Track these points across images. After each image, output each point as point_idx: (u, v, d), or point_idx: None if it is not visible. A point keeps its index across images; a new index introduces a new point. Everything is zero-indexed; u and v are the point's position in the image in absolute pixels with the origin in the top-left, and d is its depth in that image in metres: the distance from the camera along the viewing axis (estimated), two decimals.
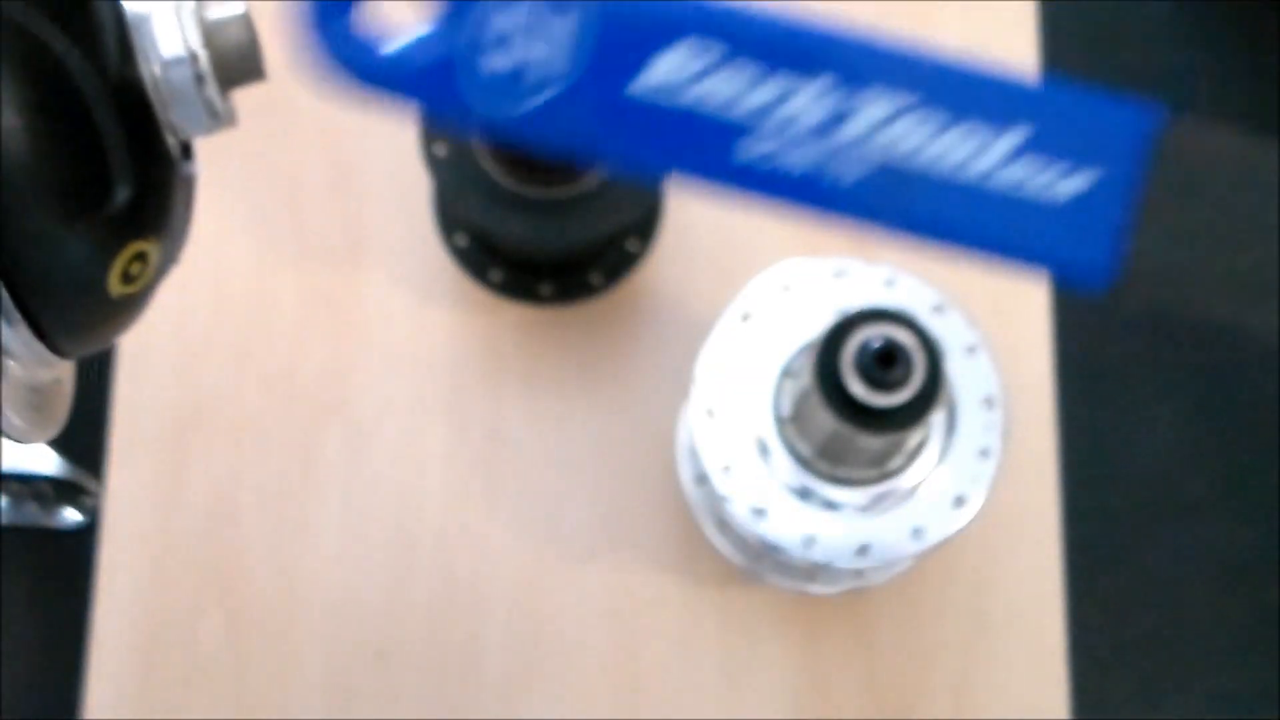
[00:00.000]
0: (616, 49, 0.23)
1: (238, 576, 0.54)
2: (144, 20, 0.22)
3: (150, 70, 0.22)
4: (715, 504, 0.50)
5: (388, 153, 0.57)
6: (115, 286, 0.22)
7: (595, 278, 0.55)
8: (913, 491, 0.45)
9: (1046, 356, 0.57)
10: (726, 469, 0.45)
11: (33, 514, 0.56)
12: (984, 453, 0.45)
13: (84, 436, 0.56)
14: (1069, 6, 1.42)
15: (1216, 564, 1.26)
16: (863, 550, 0.44)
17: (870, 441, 0.42)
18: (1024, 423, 0.53)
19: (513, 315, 0.56)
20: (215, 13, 0.23)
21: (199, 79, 0.22)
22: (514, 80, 0.22)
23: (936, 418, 0.45)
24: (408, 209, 0.57)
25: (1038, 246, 0.24)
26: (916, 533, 0.44)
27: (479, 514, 0.55)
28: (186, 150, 0.23)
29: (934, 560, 0.53)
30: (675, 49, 0.23)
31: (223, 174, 0.57)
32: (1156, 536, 1.27)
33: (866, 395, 0.40)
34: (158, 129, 0.22)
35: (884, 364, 0.40)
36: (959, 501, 0.44)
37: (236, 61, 0.23)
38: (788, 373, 0.46)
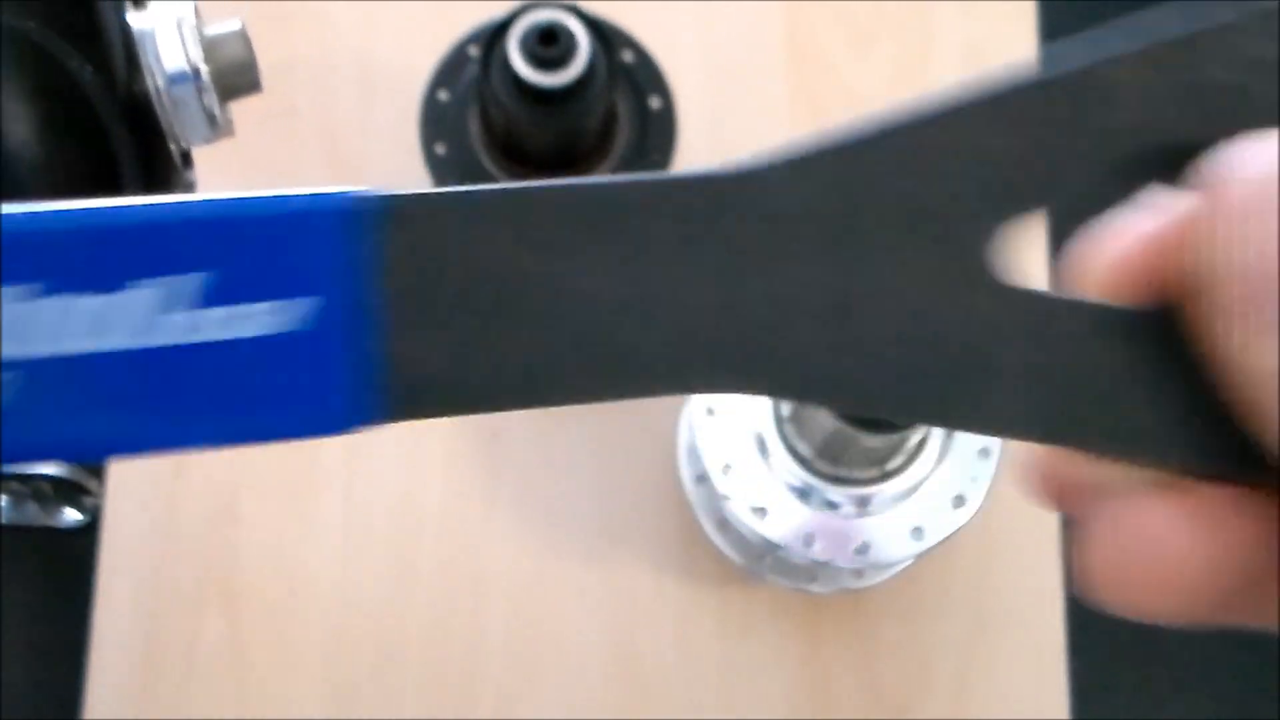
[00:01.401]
0: None
1: (238, 576, 0.54)
2: (148, 36, 0.23)
3: (155, 83, 0.23)
4: (715, 503, 0.50)
5: (388, 153, 0.57)
6: None
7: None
8: (912, 491, 0.45)
9: None
10: (726, 468, 0.45)
11: (33, 514, 0.56)
12: (984, 452, 0.45)
13: None
14: (1069, 6, 1.42)
15: None
16: (863, 550, 0.44)
17: (870, 440, 0.42)
18: None
19: None
20: (214, 29, 0.24)
21: (200, 91, 0.23)
22: None
23: None
24: None
25: (272, 405, 0.18)
26: (916, 532, 0.44)
27: (479, 514, 0.55)
28: (187, 159, 0.25)
29: (933, 560, 0.53)
30: None
31: (223, 175, 0.57)
32: None
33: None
34: (163, 139, 0.23)
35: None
36: (959, 501, 0.44)
37: (235, 75, 0.24)
38: None
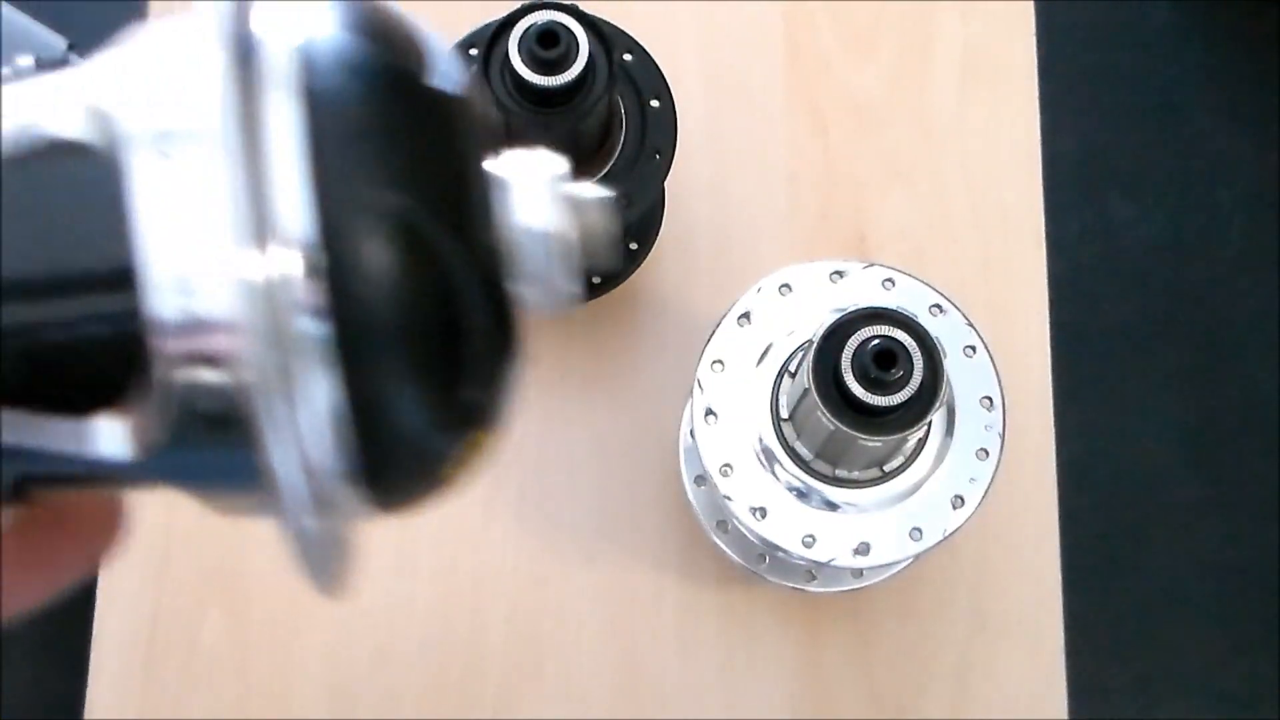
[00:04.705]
0: None
1: (238, 575, 0.54)
2: (509, 186, 0.21)
3: (513, 240, 0.21)
4: (716, 504, 0.50)
5: None
6: (449, 471, 0.23)
7: (595, 278, 0.55)
8: (912, 491, 0.45)
9: (1045, 356, 0.57)
10: (726, 469, 0.45)
11: None
12: (983, 453, 0.45)
13: None
14: (1068, 7, 1.42)
15: (1216, 564, 1.26)
16: (862, 550, 0.44)
17: (869, 442, 0.42)
18: (1023, 423, 0.53)
19: None
20: (581, 191, 0.22)
21: (561, 256, 0.22)
22: None
23: (935, 418, 0.45)
24: None
25: None
26: (916, 532, 0.44)
27: (479, 514, 0.55)
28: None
29: (933, 560, 0.53)
30: None
31: None
32: (1155, 536, 1.27)
33: (865, 395, 0.40)
34: (517, 329, 0.22)
35: (882, 364, 0.40)
36: (958, 501, 0.44)
37: (593, 245, 0.22)
38: (787, 373, 0.46)
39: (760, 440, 0.45)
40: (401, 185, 0.20)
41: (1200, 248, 1.37)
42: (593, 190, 0.22)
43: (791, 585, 0.51)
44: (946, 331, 0.45)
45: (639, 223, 0.55)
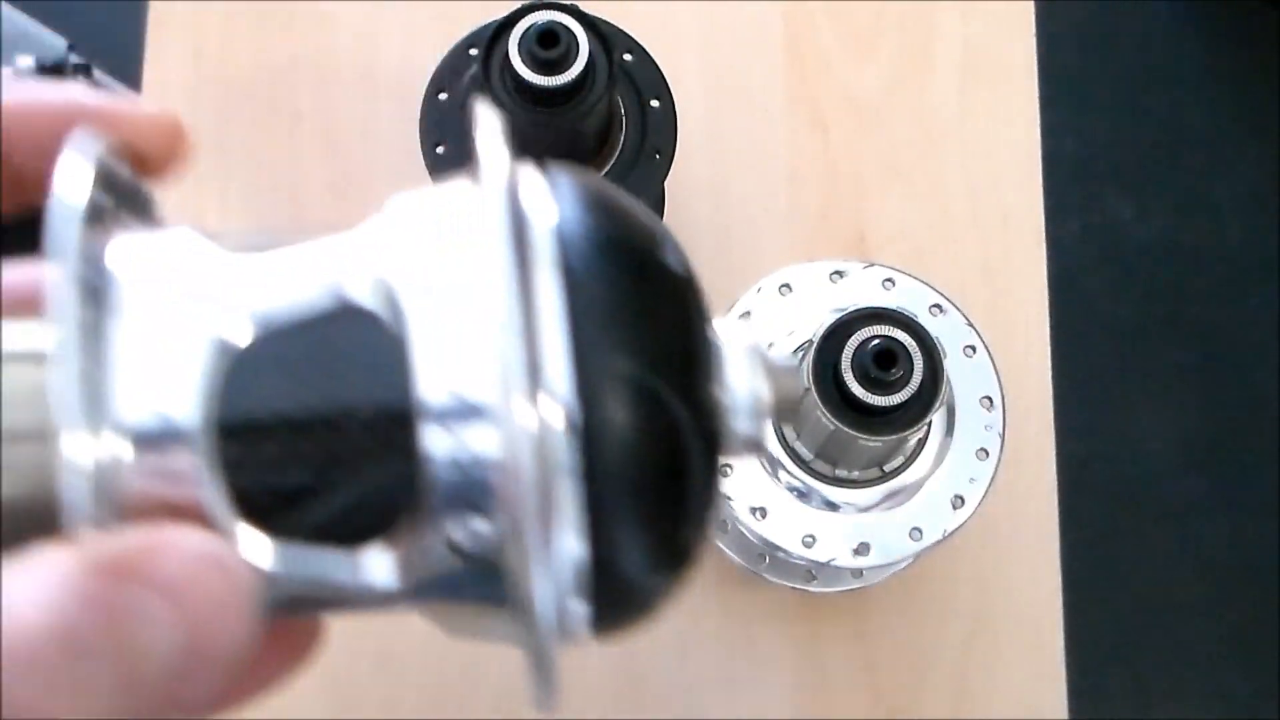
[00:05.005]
0: None
1: None
2: (721, 353, 0.24)
3: (720, 400, 0.24)
4: None
5: (388, 153, 0.57)
6: (659, 604, 0.25)
7: None
8: (912, 491, 0.45)
9: (1045, 356, 0.57)
10: (726, 469, 0.45)
11: None
12: (982, 453, 0.45)
13: None
14: (1068, 7, 1.42)
15: (1216, 564, 1.26)
16: (862, 550, 0.44)
17: (869, 442, 0.42)
18: (1022, 422, 0.53)
19: None
20: (775, 360, 0.25)
21: (759, 414, 0.24)
22: None
23: (935, 418, 0.45)
24: None
25: None
26: (915, 532, 0.44)
27: None
28: None
29: (934, 560, 0.53)
30: None
31: (224, 175, 0.57)
32: (1155, 536, 1.27)
33: (865, 395, 0.40)
34: (719, 475, 0.24)
35: (882, 364, 0.40)
36: (958, 501, 0.44)
37: (784, 403, 0.25)
38: None
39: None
40: (645, 356, 0.22)
41: (1200, 248, 1.37)
42: (785, 359, 0.25)
43: (791, 585, 0.51)
44: (946, 331, 0.45)
45: None
